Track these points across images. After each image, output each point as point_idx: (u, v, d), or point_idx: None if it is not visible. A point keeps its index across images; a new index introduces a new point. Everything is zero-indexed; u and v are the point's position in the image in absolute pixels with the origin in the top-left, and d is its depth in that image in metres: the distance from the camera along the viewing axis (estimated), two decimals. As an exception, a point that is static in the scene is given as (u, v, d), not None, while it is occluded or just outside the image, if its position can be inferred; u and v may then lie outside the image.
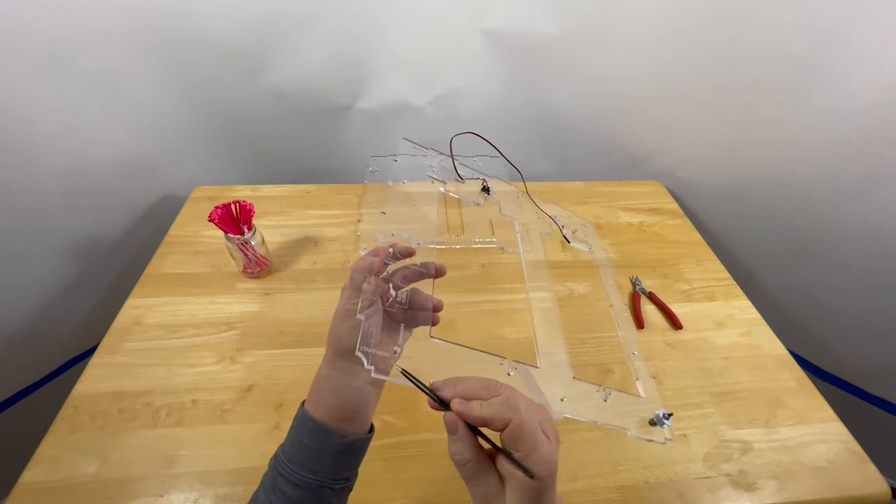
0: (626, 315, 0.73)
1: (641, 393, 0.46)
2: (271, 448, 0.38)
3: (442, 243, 0.54)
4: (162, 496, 0.51)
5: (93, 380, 0.61)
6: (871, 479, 0.56)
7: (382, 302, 0.39)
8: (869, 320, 0.83)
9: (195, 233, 0.84)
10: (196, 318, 0.70)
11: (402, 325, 0.41)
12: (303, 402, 0.38)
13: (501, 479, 0.29)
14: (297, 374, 0.63)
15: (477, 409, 0.29)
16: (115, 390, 0.60)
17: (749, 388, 0.65)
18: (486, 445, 0.30)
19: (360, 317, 0.36)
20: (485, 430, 0.30)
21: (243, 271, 0.76)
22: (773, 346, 0.70)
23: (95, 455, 0.54)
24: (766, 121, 0.83)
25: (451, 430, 0.30)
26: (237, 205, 0.70)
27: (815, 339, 0.92)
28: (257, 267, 0.75)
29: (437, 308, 0.42)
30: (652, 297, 0.77)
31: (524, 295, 0.75)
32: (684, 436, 0.59)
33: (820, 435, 0.60)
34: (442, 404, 0.31)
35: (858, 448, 0.58)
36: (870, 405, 0.89)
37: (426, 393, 0.32)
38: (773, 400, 0.63)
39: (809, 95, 0.76)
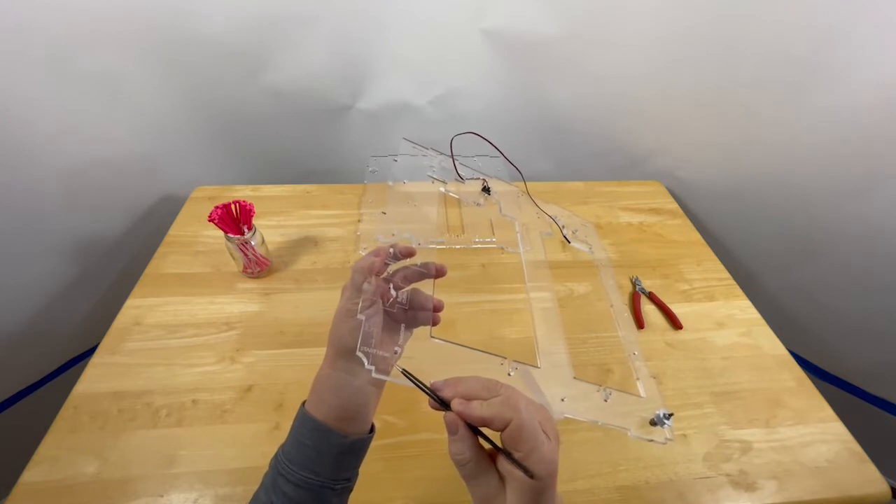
0: (627, 315, 0.73)
1: (642, 393, 0.46)
2: (271, 448, 0.38)
3: (442, 243, 0.54)
4: (162, 496, 0.51)
5: (93, 380, 0.61)
6: (871, 479, 0.56)
7: (383, 302, 0.39)
8: (869, 320, 0.83)
9: (195, 233, 0.84)
10: (196, 318, 0.70)
11: (403, 325, 0.41)
12: (303, 403, 0.38)
13: (502, 479, 0.29)
14: (297, 374, 0.63)
15: (477, 409, 0.29)
16: (115, 390, 0.60)
17: (749, 388, 0.65)
18: (487, 445, 0.30)
19: (361, 317, 0.36)
20: (485, 430, 0.30)
21: (243, 271, 0.76)
22: (773, 346, 0.70)
23: (95, 455, 0.54)
24: (766, 121, 0.83)
25: (452, 430, 0.30)
26: (237, 205, 0.70)
27: (815, 339, 0.92)
28: (257, 267, 0.75)
29: (437, 308, 0.42)
30: (652, 297, 0.77)
31: (524, 295, 0.75)
32: (684, 436, 0.59)
33: (820, 435, 0.60)
34: (442, 404, 0.31)
35: (858, 448, 0.59)
36: (870, 405, 0.89)
37: (427, 393, 0.32)
38: (773, 400, 0.63)
39: (809, 95, 0.76)
